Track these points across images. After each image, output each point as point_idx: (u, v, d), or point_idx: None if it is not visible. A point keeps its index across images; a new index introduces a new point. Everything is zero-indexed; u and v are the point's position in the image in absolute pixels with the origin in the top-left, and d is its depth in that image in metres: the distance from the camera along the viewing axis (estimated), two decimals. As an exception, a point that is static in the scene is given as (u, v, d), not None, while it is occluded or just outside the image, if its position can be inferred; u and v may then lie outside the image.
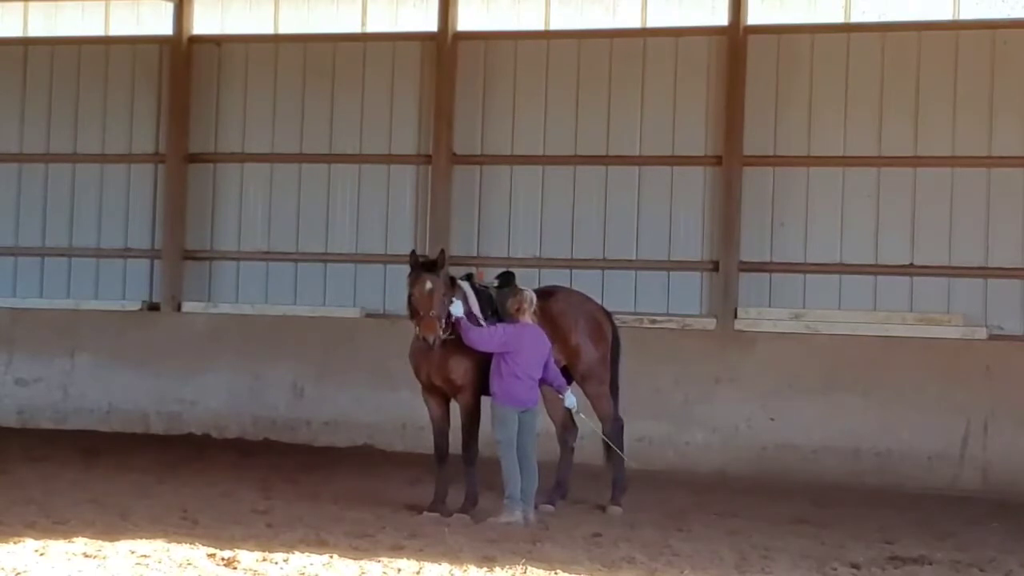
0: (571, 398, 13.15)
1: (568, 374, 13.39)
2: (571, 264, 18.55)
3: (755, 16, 18.15)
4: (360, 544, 10.90)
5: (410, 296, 12.68)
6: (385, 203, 19.43)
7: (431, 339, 12.49)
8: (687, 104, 18.39)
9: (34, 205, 20.73)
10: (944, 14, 17.67)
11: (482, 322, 12.85)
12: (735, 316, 17.88)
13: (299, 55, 19.85)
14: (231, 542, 10.55)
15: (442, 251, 13.31)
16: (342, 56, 19.69)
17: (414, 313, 12.66)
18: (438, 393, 13.11)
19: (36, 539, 10.36)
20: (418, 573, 9.80)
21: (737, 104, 17.95)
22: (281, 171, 19.84)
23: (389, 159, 19.48)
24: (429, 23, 19.20)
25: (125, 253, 20.34)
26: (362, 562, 10.02)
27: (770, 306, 17.99)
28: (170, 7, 20.09)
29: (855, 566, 10.86)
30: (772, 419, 17.40)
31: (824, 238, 17.93)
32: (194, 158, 20.08)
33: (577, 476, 14.15)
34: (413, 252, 13.15)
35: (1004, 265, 17.39)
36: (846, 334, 17.44)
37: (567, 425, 14.03)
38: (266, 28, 20.08)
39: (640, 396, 16.29)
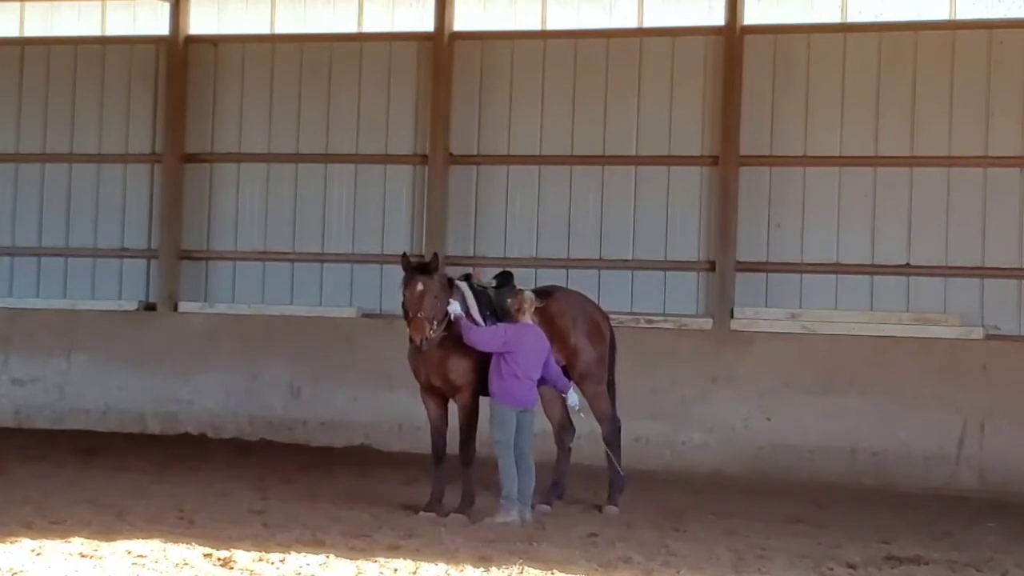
0: (573, 397, 13.18)
1: (566, 374, 13.38)
2: (567, 264, 18.55)
3: (751, 16, 18.16)
4: (357, 544, 10.89)
5: (403, 298, 12.70)
6: (382, 203, 19.44)
7: (418, 340, 12.50)
8: (683, 104, 18.41)
9: (31, 205, 20.73)
10: (941, 14, 17.69)
11: (481, 322, 12.86)
12: (731, 316, 17.88)
13: (295, 55, 19.84)
14: (227, 542, 10.55)
15: (435, 254, 13.30)
16: (339, 56, 19.70)
17: (406, 314, 12.67)
18: (437, 393, 13.10)
19: (33, 539, 10.36)
20: (415, 573, 9.81)
21: (733, 104, 17.96)
22: (277, 171, 19.85)
23: (385, 159, 19.48)
24: (426, 23, 19.21)
25: (122, 253, 20.34)
26: (359, 562, 10.02)
27: (767, 306, 18.00)
28: (166, 7, 20.09)
29: (851, 566, 10.86)
30: (769, 419, 17.41)
31: (820, 238, 17.94)
32: (190, 158, 20.07)
33: (574, 476, 14.15)
34: (404, 255, 13.14)
35: (1000, 265, 17.40)
36: (843, 334, 17.44)
37: (564, 425, 14.05)
38: (262, 28, 20.08)
39: (637, 396, 16.31)
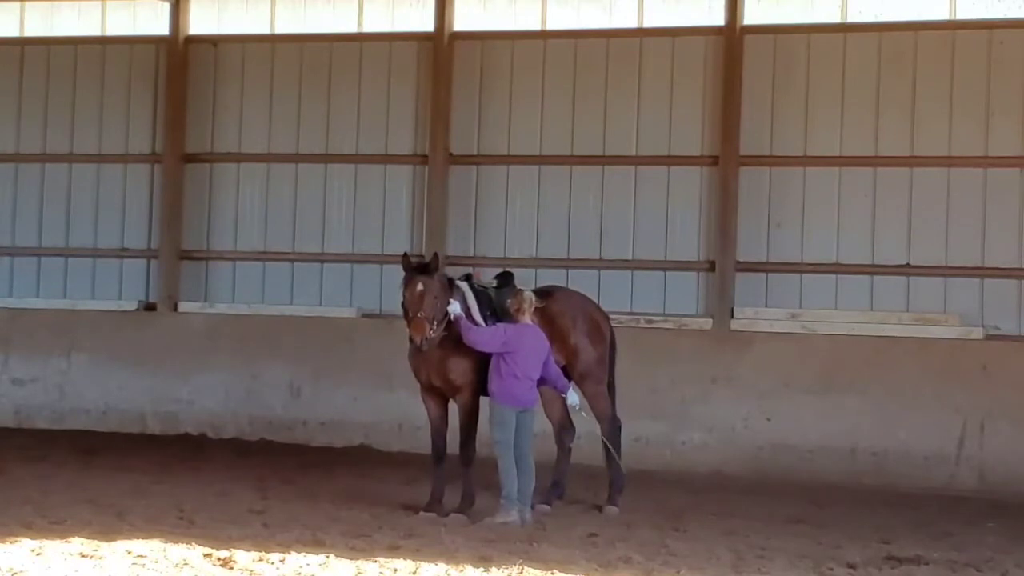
0: (573, 396, 13.18)
1: (566, 374, 13.38)
2: (567, 264, 18.55)
3: (751, 16, 18.15)
4: (357, 544, 10.89)
5: (403, 298, 12.71)
6: (382, 203, 19.44)
7: (418, 340, 12.50)
8: (683, 104, 18.40)
9: (31, 205, 20.73)
10: (940, 14, 17.69)
11: (481, 322, 12.86)
12: (731, 316, 17.88)
13: (295, 55, 19.84)
14: (227, 542, 10.55)
15: (436, 254, 13.30)
16: (338, 56, 19.69)
17: (406, 314, 12.67)
18: (437, 393, 13.11)
19: (33, 539, 10.37)
20: (414, 573, 9.81)
21: (733, 104, 17.96)
22: (277, 171, 19.85)
23: (386, 159, 19.48)
24: (426, 23, 19.21)
25: (122, 253, 20.34)
26: (359, 562, 10.03)
27: (767, 306, 18.00)
28: (166, 7, 20.09)
29: (851, 566, 10.86)
30: (768, 419, 17.40)
31: (821, 238, 17.94)
32: (190, 158, 20.07)
33: (574, 476, 14.15)
34: (405, 255, 13.15)
35: (1000, 265, 17.40)
36: (843, 334, 17.44)
37: (564, 425, 14.05)
38: (262, 28, 20.08)
39: (636, 396, 16.32)
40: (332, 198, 19.63)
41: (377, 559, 10.16)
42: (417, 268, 12.76)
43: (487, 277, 13.74)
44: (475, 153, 19.16)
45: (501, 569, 9.96)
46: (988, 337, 17.19)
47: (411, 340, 12.62)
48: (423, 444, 13.96)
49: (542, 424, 13.53)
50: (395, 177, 19.45)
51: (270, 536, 11.09)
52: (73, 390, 19.83)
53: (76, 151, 20.60)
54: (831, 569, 10.74)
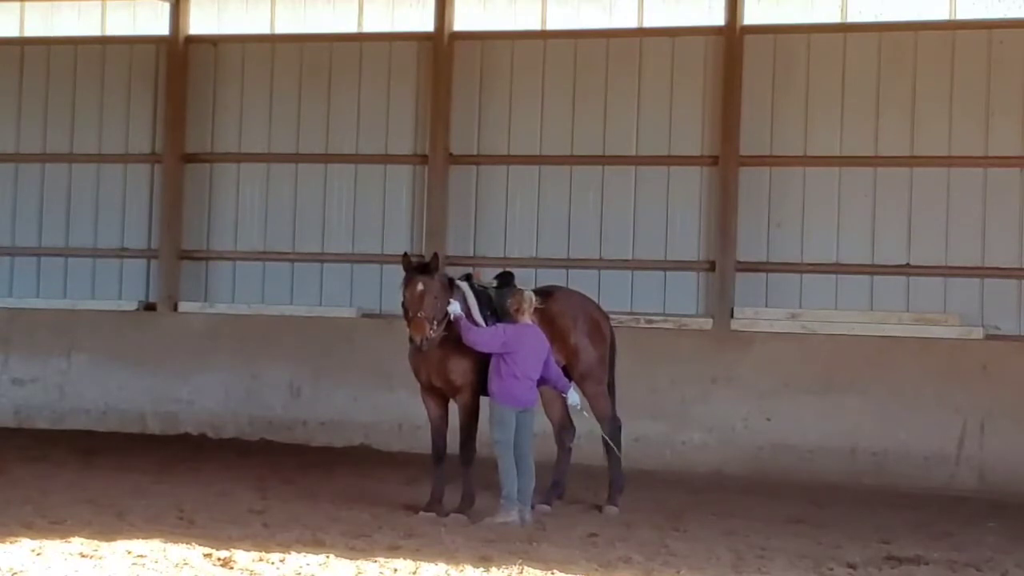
0: (574, 396, 13.17)
1: (567, 373, 13.37)
2: (567, 264, 18.55)
3: (751, 16, 18.16)
4: (357, 544, 10.90)
5: (403, 298, 12.71)
6: (381, 203, 19.44)
7: (418, 340, 12.50)
8: (683, 104, 18.41)
9: (31, 205, 20.73)
10: (940, 14, 17.69)
11: (481, 322, 12.85)
12: (732, 316, 17.88)
13: (295, 55, 19.85)
14: (227, 542, 10.55)
15: (436, 254, 13.29)
16: (338, 56, 19.70)
17: (406, 314, 12.67)
18: (437, 393, 13.10)
19: (33, 539, 10.37)
20: (414, 573, 9.81)
21: (733, 104, 17.96)
22: (277, 171, 19.85)
23: (386, 159, 19.48)
24: (426, 23, 19.21)
25: (122, 253, 20.34)
26: (359, 562, 10.03)
27: (767, 306, 18.00)
28: (166, 7, 20.09)
29: (851, 566, 10.87)
30: (769, 419, 17.40)
31: (820, 238, 17.94)
32: (190, 158, 20.07)
33: (574, 476, 14.15)
34: (405, 255, 13.15)
35: (1000, 265, 17.41)
36: (843, 334, 17.44)
37: (564, 425, 14.05)
38: (262, 28, 20.08)
39: (637, 396, 16.32)
40: (332, 198, 19.64)
41: (377, 559, 10.17)
42: (417, 268, 12.76)
43: (487, 277, 13.73)
44: (475, 153, 19.16)
45: (501, 569, 9.97)
46: (988, 337, 17.19)
47: (411, 340, 12.63)
48: (423, 444, 13.96)
49: (542, 424, 13.53)
50: (395, 177, 19.45)
51: (270, 536, 11.09)
52: (73, 390, 19.84)
53: (76, 151, 20.61)
54: (831, 569, 10.74)
